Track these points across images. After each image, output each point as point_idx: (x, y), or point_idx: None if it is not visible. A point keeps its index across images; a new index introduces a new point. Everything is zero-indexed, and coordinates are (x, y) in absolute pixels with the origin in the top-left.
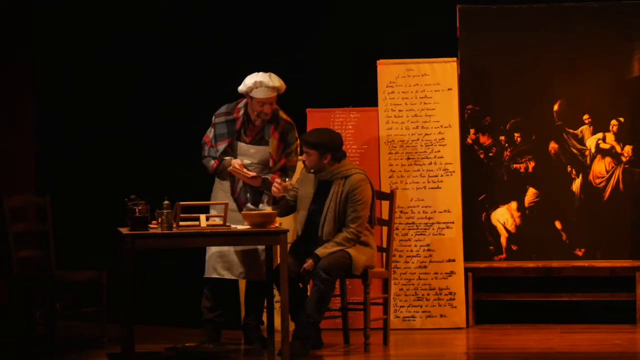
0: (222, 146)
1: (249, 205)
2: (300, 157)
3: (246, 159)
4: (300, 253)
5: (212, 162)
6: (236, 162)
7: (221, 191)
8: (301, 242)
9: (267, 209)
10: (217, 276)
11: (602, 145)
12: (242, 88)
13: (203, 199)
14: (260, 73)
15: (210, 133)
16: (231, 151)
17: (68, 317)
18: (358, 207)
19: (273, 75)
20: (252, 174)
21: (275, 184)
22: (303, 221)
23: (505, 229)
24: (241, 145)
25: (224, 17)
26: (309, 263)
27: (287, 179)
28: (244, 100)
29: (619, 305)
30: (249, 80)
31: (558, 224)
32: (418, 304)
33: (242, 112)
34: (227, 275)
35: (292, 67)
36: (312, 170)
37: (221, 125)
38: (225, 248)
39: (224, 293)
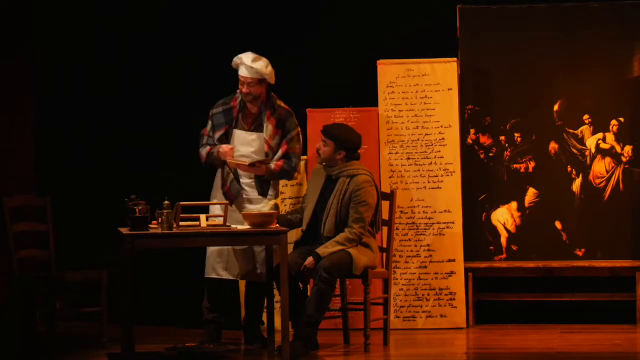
0: (218, 134)
1: (248, 206)
2: (316, 145)
3: (244, 147)
4: (302, 249)
5: (207, 147)
6: (226, 147)
7: (220, 191)
8: (305, 238)
9: (272, 202)
10: (216, 276)
11: (602, 145)
12: (233, 64)
13: (203, 199)
14: (249, 52)
15: (207, 125)
16: (226, 140)
17: (68, 317)
18: (360, 208)
19: (262, 60)
20: (246, 162)
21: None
22: (308, 217)
23: (505, 229)
24: (238, 133)
25: (224, 17)
26: (309, 261)
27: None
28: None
29: (619, 305)
30: (236, 57)
31: (558, 224)
32: (418, 304)
33: (239, 99)
34: (225, 275)
35: (292, 67)
36: (322, 162)
37: (219, 115)
38: (224, 248)
39: (223, 293)
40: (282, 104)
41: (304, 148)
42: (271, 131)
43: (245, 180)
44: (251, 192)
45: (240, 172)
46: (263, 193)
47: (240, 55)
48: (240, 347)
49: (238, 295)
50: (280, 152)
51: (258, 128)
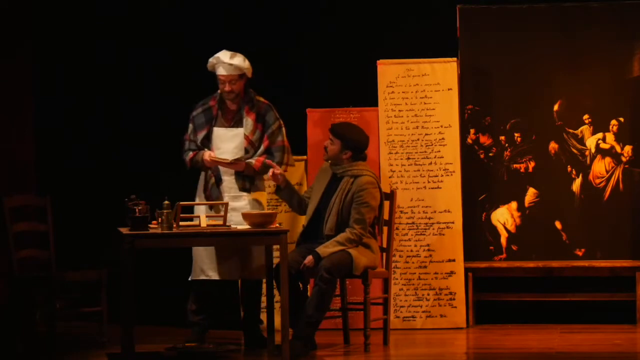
0: (202, 134)
1: (231, 203)
2: (324, 143)
3: (225, 144)
4: (302, 248)
5: (190, 153)
6: (207, 154)
7: (203, 195)
8: (306, 235)
9: (251, 196)
10: (205, 277)
11: (602, 145)
12: (208, 65)
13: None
14: (223, 50)
15: (189, 129)
16: (207, 141)
17: (68, 317)
18: (362, 209)
19: (238, 56)
20: (228, 159)
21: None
22: (310, 213)
23: (505, 229)
24: (219, 131)
25: (224, 17)
26: (309, 259)
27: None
28: (218, 91)
29: (619, 305)
30: (212, 58)
31: (558, 224)
32: (418, 304)
33: (218, 98)
34: (215, 276)
35: (292, 67)
36: (328, 160)
37: (199, 116)
38: (210, 249)
39: (211, 295)
40: (261, 99)
41: (304, 148)
42: (251, 126)
43: (227, 177)
44: (233, 189)
45: (221, 169)
46: (244, 189)
47: (216, 55)
48: (240, 347)
49: (237, 295)
50: (262, 148)
51: (238, 123)
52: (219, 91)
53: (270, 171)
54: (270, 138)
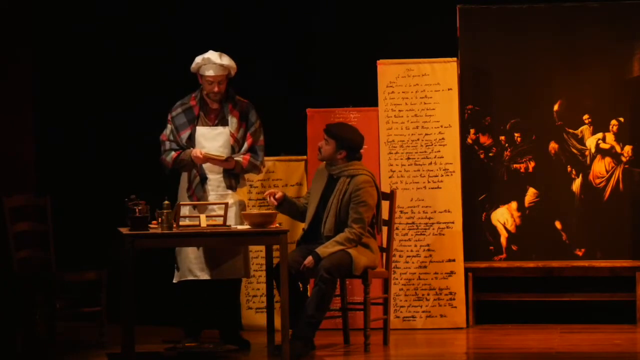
0: (186, 134)
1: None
2: (319, 143)
3: (209, 142)
4: (302, 248)
5: (173, 153)
6: (197, 151)
7: (186, 194)
8: (306, 236)
9: (236, 196)
10: (192, 278)
11: (602, 145)
12: (192, 66)
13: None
14: (210, 51)
15: (167, 130)
16: (190, 141)
17: (68, 317)
18: (360, 208)
19: (225, 55)
20: (223, 156)
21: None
22: (310, 216)
23: (505, 229)
24: (202, 130)
25: (224, 17)
26: (309, 260)
27: (258, 160)
28: (198, 90)
29: (619, 305)
30: (198, 58)
31: (558, 224)
32: (418, 304)
33: (198, 97)
34: (203, 276)
35: (292, 66)
36: (323, 160)
37: (179, 116)
38: (196, 249)
39: (199, 295)
40: (241, 98)
41: (304, 148)
42: (236, 124)
43: (214, 175)
44: (220, 188)
45: (206, 167)
46: (230, 187)
47: (204, 57)
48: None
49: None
50: (246, 145)
51: (222, 122)
52: (198, 90)
53: (270, 196)
54: (253, 136)
